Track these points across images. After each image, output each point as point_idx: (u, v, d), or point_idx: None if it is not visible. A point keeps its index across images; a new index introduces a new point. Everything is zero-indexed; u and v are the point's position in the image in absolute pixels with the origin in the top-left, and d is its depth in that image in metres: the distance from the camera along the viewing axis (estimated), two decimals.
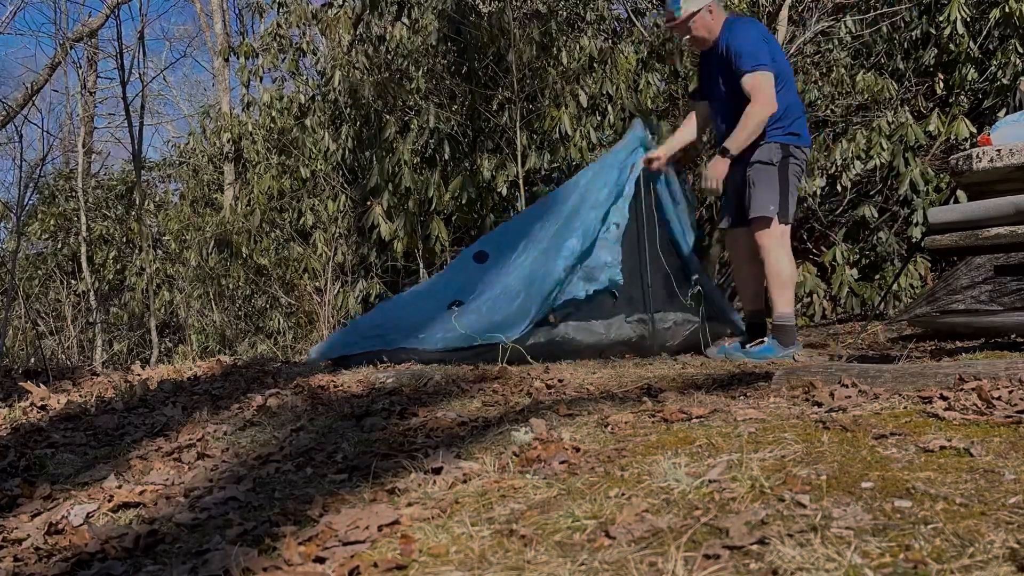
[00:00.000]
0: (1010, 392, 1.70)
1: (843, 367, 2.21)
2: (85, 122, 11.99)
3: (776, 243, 3.43)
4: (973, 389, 1.72)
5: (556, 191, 3.93)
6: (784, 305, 3.43)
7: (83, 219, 10.50)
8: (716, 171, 3.48)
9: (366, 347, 3.40)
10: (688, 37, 3.63)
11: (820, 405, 1.80)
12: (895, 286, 5.70)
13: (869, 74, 6.07)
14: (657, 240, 3.73)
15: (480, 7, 6.79)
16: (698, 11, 3.52)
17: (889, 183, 6.03)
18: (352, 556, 1.19)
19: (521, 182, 6.25)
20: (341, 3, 7.42)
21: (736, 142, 3.42)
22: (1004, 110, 5.97)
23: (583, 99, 6.08)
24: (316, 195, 7.69)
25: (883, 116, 5.83)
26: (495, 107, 6.51)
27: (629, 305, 3.54)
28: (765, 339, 3.48)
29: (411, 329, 3.38)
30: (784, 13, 5.97)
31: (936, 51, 6.29)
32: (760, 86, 3.36)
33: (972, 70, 6.13)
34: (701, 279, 3.89)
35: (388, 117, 6.69)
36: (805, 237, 6.48)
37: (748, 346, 3.50)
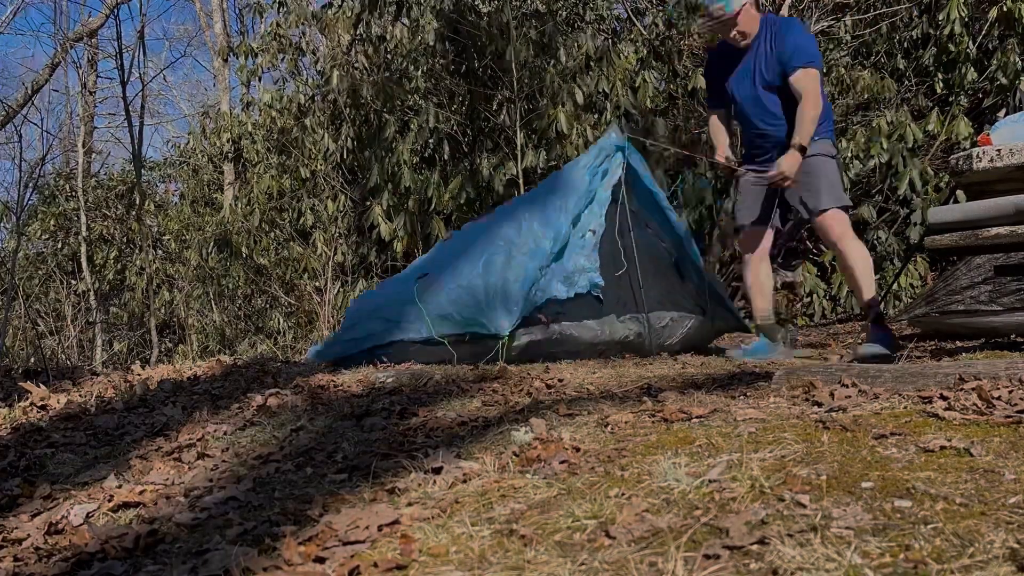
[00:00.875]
0: (1010, 392, 1.69)
1: (843, 367, 2.21)
2: (85, 122, 11.99)
3: (851, 230, 3.45)
4: (973, 389, 1.72)
5: (531, 192, 3.92)
6: (872, 291, 3.42)
7: (83, 219, 10.50)
8: (794, 167, 3.41)
9: (357, 348, 3.43)
10: (735, 32, 3.58)
11: (820, 405, 1.80)
12: (895, 286, 5.70)
13: (868, 73, 6.08)
14: (647, 241, 3.72)
15: (479, 7, 6.80)
16: (744, 4, 3.48)
17: (888, 183, 6.03)
18: (352, 556, 1.19)
19: (521, 181, 6.25)
20: (341, 3, 7.42)
21: (805, 137, 3.39)
22: (1004, 110, 5.98)
23: (579, 97, 6.07)
24: (316, 195, 7.69)
25: (882, 116, 5.83)
26: (494, 107, 6.51)
27: (618, 305, 3.54)
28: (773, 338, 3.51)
29: (392, 316, 3.41)
30: (784, 13, 5.97)
31: (936, 51, 6.29)
32: (810, 85, 3.37)
33: (971, 70, 6.14)
34: (701, 273, 3.89)
35: (388, 117, 6.69)
36: (805, 237, 6.48)
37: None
